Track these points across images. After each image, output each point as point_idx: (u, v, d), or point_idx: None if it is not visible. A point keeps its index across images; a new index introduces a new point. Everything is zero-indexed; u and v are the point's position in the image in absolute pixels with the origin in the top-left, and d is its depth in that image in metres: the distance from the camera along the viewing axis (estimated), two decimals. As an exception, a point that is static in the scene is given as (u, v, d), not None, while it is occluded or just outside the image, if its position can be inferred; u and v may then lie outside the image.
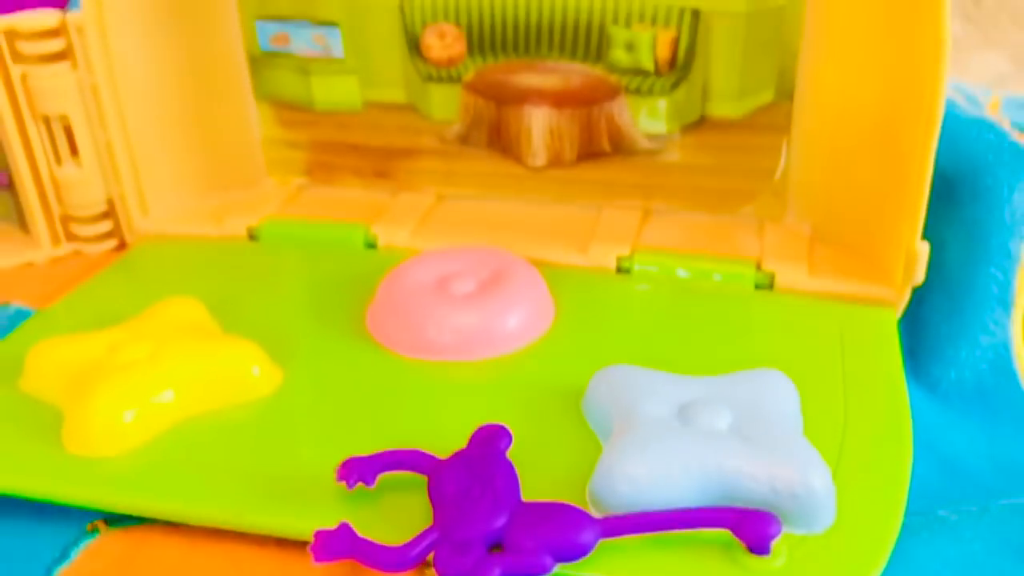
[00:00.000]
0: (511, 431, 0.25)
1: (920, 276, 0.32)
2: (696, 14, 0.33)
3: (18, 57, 0.36)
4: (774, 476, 0.23)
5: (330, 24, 0.37)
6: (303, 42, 0.37)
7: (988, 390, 0.32)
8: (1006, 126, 0.34)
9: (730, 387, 0.26)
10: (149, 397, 0.27)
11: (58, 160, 0.38)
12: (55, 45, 0.36)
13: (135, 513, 0.25)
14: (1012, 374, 0.33)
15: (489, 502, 0.22)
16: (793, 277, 0.33)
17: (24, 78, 0.36)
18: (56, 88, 0.36)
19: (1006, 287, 0.33)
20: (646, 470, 0.23)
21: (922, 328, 0.34)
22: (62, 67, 0.36)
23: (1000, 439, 0.31)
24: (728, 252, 0.34)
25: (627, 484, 0.23)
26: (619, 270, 0.34)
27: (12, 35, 0.36)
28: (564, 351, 0.30)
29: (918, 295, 0.33)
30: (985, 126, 0.34)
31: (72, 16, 0.36)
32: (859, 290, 0.32)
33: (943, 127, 0.33)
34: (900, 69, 0.30)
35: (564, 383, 0.28)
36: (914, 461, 0.26)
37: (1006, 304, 0.33)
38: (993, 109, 0.36)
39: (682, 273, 0.34)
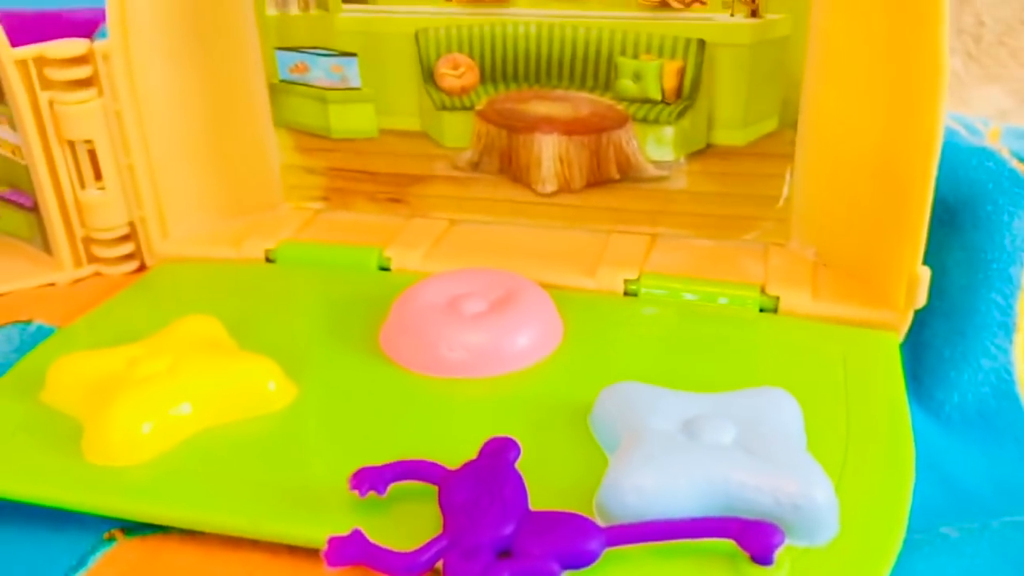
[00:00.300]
0: (520, 443, 0.25)
1: (922, 300, 0.32)
2: (701, 45, 0.34)
3: (46, 83, 0.37)
4: (777, 488, 0.23)
5: (347, 54, 0.38)
6: (321, 72, 0.39)
7: (990, 413, 0.33)
8: (1005, 155, 0.35)
9: (734, 404, 0.27)
10: (167, 409, 0.28)
11: (82, 183, 0.39)
12: (82, 72, 0.37)
13: (152, 521, 0.26)
14: (1014, 397, 0.33)
15: (498, 510, 0.23)
16: (797, 301, 0.34)
17: (51, 104, 0.38)
18: (82, 114, 0.38)
19: (1007, 312, 0.34)
20: (652, 481, 0.24)
21: (925, 352, 0.34)
22: (88, 94, 0.38)
23: (1002, 461, 0.31)
24: (733, 276, 0.35)
25: (634, 495, 0.23)
26: (626, 293, 0.35)
27: (41, 62, 0.37)
28: (572, 369, 0.31)
29: (921, 319, 0.33)
30: (985, 155, 0.35)
31: (99, 44, 0.37)
32: (862, 314, 0.33)
33: (944, 155, 0.34)
34: (900, 99, 0.31)
35: (572, 400, 0.29)
36: (917, 481, 0.26)
37: (1007, 329, 0.34)
38: (993, 138, 0.37)
39: (688, 296, 0.35)
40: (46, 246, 0.41)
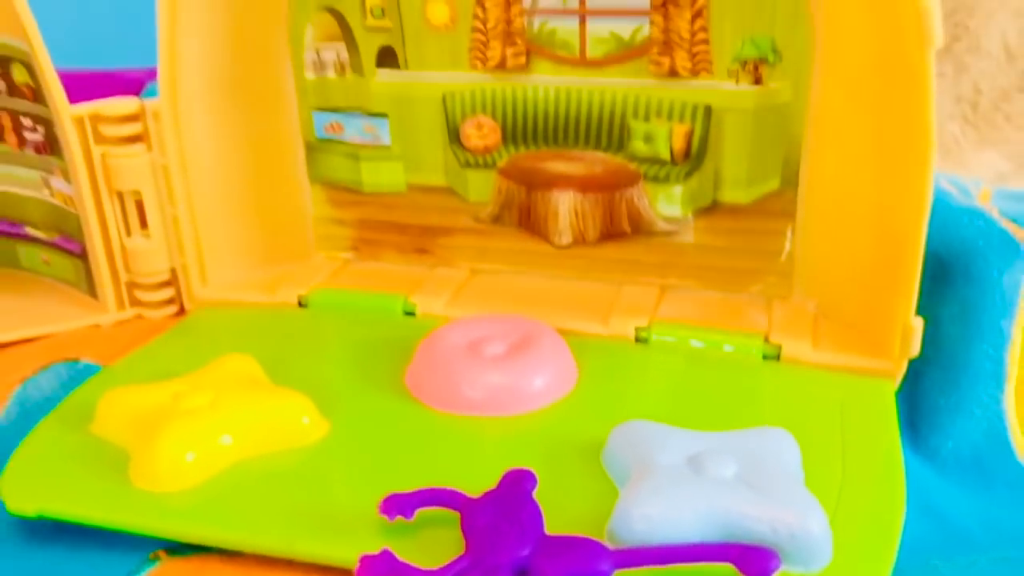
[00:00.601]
0: (536, 475, 0.27)
1: (915, 350, 0.34)
2: (708, 110, 0.37)
3: (100, 138, 0.40)
4: (775, 518, 0.25)
5: (380, 115, 0.41)
6: (355, 131, 0.42)
7: (984, 459, 0.34)
8: (995, 215, 0.37)
9: (737, 441, 0.29)
10: (210, 440, 0.30)
11: (128, 232, 0.42)
12: (133, 129, 0.40)
13: (194, 542, 0.28)
14: (1006, 444, 0.35)
15: (516, 534, 0.25)
16: (798, 349, 0.36)
17: (104, 157, 0.40)
18: (132, 167, 0.41)
19: (999, 363, 0.35)
20: (659, 510, 0.25)
21: (921, 400, 0.36)
22: (138, 148, 0.41)
23: (994, 503, 0.33)
24: (738, 326, 0.37)
25: (642, 522, 0.25)
26: (637, 339, 0.37)
27: (96, 119, 0.40)
28: (585, 410, 0.33)
29: (917, 369, 0.35)
30: (976, 214, 0.37)
31: (150, 103, 0.40)
32: (859, 362, 0.35)
33: (937, 215, 0.36)
34: (893, 163, 0.33)
35: (585, 438, 0.31)
36: (912, 520, 0.28)
37: (999, 379, 0.35)
38: (984, 199, 0.39)
39: (696, 343, 0.37)
40: (92, 290, 0.43)
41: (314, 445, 0.31)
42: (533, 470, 0.28)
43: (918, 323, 0.34)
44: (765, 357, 0.36)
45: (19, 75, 0.40)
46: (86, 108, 0.40)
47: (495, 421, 0.32)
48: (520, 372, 0.33)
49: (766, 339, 0.36)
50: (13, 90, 0.41)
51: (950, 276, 0.37)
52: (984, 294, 0.36)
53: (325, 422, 0.32)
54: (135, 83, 0.54)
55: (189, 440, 0.30)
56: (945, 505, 0.33)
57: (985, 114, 0.58)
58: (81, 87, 0.45)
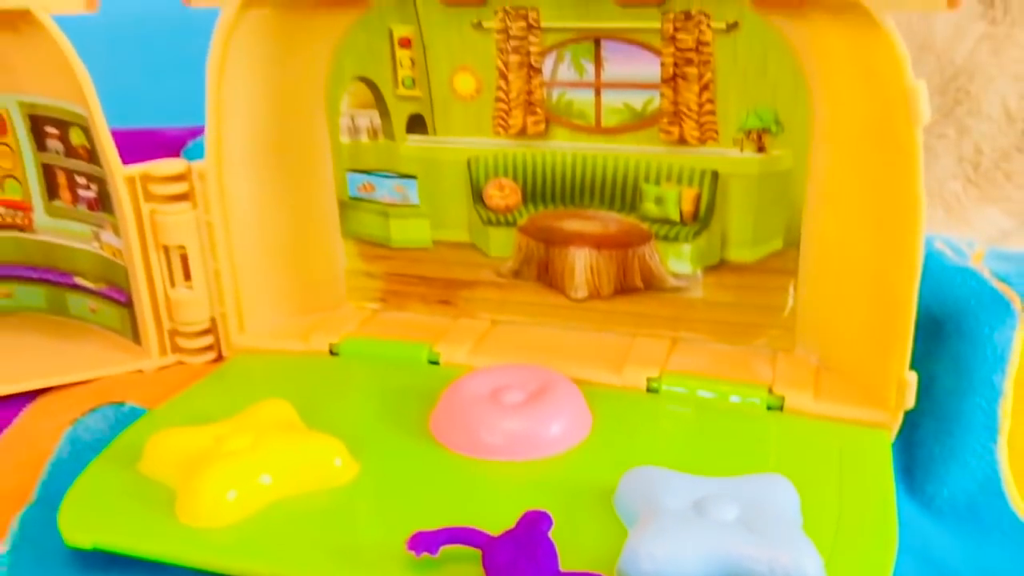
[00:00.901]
0: (552, 516, 0.30)
1: (910, 403, 0.36)
2: (715, 175, 0.40)
3: (149, 196, 0.43)
4: (773, 559, 0.27)
5: (409, 177, 0.44)
6: (385, 191, 0.44)
7: (978, 507, 0.36)
8: (987, 275, 0.40)
9: (739, 487, 0.31)
10: (250, 480, 0.32)
11: (172, 283, 0.45)
12: (180, 188, 0.43)
13: (235, 574, 0.30)
14: (1000, 494, 0.36)
15: (533, 571, 0.27)
16: (800, 401, 0.38)
17: (152, 214, 0.43)
18: (178, 224, 0.43)
19: (992, 415, 0.37)
20: (664, 550, 0.28)
21: (917, 450, 0.38)
22: (184, 206, 0.43)
23: (988, 549, 0.34)
24: (744, 377, 0.39)
25: (648, 561, 0.27)
26: (649, 389, 0.39)
27: (146, 179, 0.43)
28: (599, 456, 0.35)
29: (913, 420, 0.37)
30: (968, 274, 0.40)
31: (196, 165, 0.43)
32: (858, 414, 0.37)
33: (932, 274, 0.38)
34: (886, 227, 0.36)
35: (598, 482, 0.33)
36: (907, 567, 0.29)
37: (992, 431, 0.37)
38: (977, 260, 0.41)
39: (704, 394, 0.39)
40: (136, 337, 0.46)
41: (345, 485, 0.33)
42: (549, 512, 0.30)
43: (912, 377, 0.36)
44: (769, 408, 0.38)
45: (76, 138, 0.44)
46: (137, 169, 0.43)
47: (514, 465, 0.34)
48: (538, 420, 0.35)
49: (770, 390, 0.38)
50: (70, 151, 0.44)
51: (944, 333, 0.39)
52: (976, 350, 0.38)
53: (356, 464, 0.34)
54: (178, 141, 0.57)
55: (231, 480, 0.32)
56: (940, 551, 0.34)
57: (986, 173, 0.60)
58: (127, 144, 0.47)
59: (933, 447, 0.38)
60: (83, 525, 0.31)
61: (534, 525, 0.29)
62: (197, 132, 0.57)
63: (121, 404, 0.42)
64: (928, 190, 0.60)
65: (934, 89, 0.60)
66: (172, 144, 0.57)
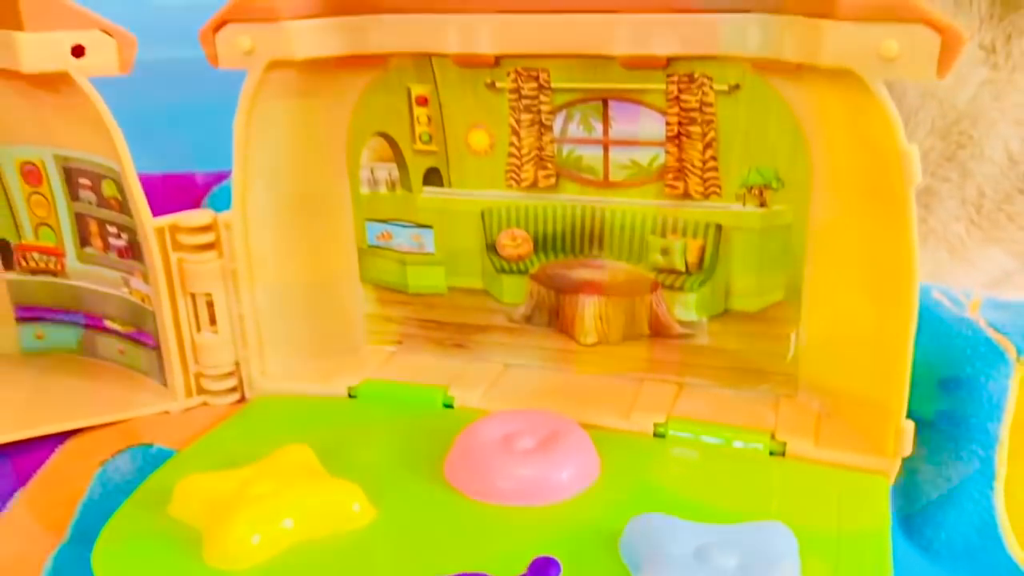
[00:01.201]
0: (560, 562, 0.31)
1: (908, 450, 0.37)
2: (719, 228, 0.41)
3: (177, 246, 0.45)
4: (770, 607, 0.29)
5: (425, 226, 0.46)
6: (403, 239, 0.46)
7: (975, 552, 0.37)
8: (982, 325, 0.41)
9: (739, 535, 0.32)
10: (273, 523, 0.34)
11: (198, 328, 0.47)
12: (207, 238, 0.45)
13: (260, 616, 0.32)
14: (997, 539, 0.37)
15: (541, 616, 0.29)
16: (802, 447, 0.39)
17: (180, 263, 0.45)
18: (205, 272, 0.45)
19: (987, 462, 0.38)
20: (667, 597, 0.29)
21: (916, 494, 0.39)
22: (211, 255, 0.45)
23: (983, 594, 0.36)
24: (748, 423, 0.41)
25: (651, 608, 0.29)
26: (656, 434, 0.41)
27: (175, 229, 0.45)
28: (607, 501, 0.36)
29: (912, 466, 0.38)
30: (964, 324, 0.41)
31: (222, 216, 0.45)
32: (857, 460, 0.38)
33: (929, 324, 0.40)
34: (882, 280, 0.37)
35: (606, 527, 0.34)
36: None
37: (989, 477, 0.38)
38: (973, 309, 0.43)
39: (709, 439, 0.40)
40: (163, 379, 0.48)
41: (363, 529, 0.35)
42: (558, 557, 0.31)
43: (909, 425, 0.37)
44: (771, 453, 0.39)
45: (108, 190, 0.46)
46: (166, 220, 0.45)
47: (525, 511, 0.36)
48: (548, 465, 0.37)
49: (773, 436, 0.40)
50: (102, 202, 0.46)
51: (941, 382, 0.40)
52: (973, 399, 0.39)
53: (373, 508, 0.36)
54: (203, 187, 0.59)
55: (255, 523, 0.33)
56: (937, 595, 0.36)
57: (989, 215, 0.61)
58: (152, 189, 0.49)
59: (931, 491, 0.39)
60: (116, 565, 0.33)
61: (543, 571, 0.31)
62: (222, 177, 0.59)
63: (149, 446, 0.43)
64: (932, 232, 0.61)
65: (937, 134, 0.61)
66: (200, 189, 0.59)
